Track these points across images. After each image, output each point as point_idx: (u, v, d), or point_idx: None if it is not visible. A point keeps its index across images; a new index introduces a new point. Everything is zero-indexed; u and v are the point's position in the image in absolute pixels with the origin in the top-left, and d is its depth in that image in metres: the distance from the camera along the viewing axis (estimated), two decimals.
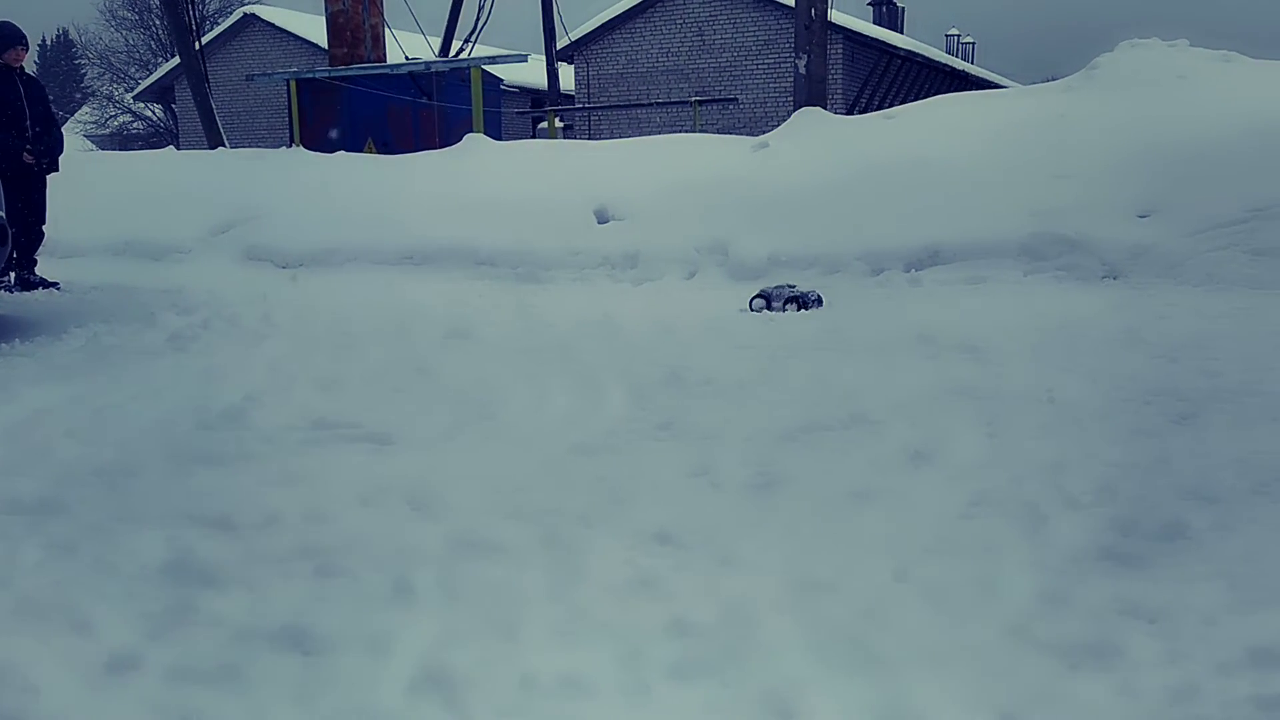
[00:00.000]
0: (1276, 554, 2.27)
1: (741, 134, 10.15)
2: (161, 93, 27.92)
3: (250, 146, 15.72)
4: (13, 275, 6.89)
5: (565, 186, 7.84)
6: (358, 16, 12.30)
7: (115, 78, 35.39)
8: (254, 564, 2.31)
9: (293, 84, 12.21)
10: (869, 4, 27.37)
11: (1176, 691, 1.75)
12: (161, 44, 32.51)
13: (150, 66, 32.57)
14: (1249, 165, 6.28)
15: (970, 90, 14.84)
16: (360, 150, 10.88)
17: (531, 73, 20.26)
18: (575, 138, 19.01)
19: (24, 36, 6.99)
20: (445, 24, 16.47)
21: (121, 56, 35.06)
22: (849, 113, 17.53)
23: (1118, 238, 6.18)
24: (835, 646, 1.93)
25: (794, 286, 5.83)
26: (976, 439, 3.15)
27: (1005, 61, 64.18)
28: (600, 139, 16.06)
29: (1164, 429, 3.22)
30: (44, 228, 7.14)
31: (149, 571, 2.27)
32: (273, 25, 25.75)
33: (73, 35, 45.56)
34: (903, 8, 27.60)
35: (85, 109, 37.93)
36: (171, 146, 17.31)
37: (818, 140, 7.90)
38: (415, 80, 11.87)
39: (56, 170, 7.17)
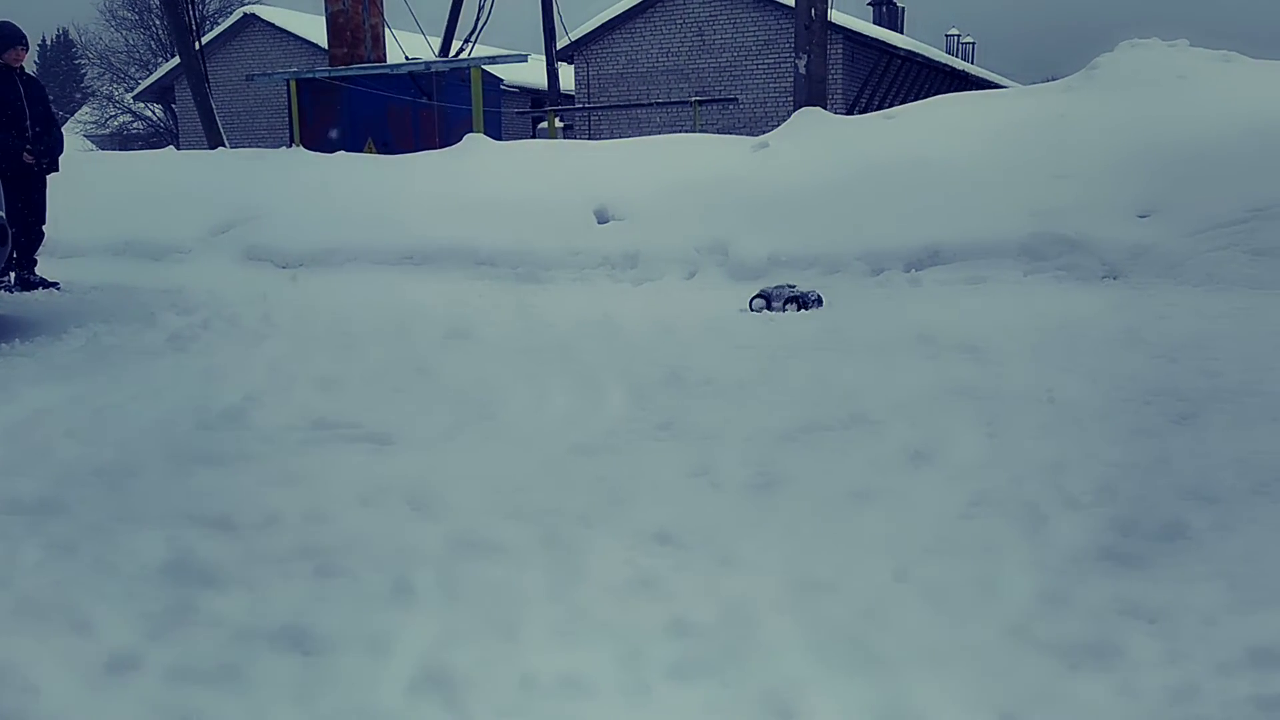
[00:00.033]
0: (1276, 554, 2.27)
1: (741, 134, 10.15)
2: (161, 93, 27.93)
3: (250, 146, 15.72)
4: (13, 275, 6.89)
5: (565, 186, 7.84)
6: (358, 16, 12.30)
7: (115, 78, 35.40)
8: (254, 564, 2.31)
9: (293, 84, 12.22)
10: (869, 4, 27.37)
11: (1176, 691, 1.75)
12: (161, 44, 32.52)
13: (150, 66, 32.58)
14: (1249, 165, 6.28)
15: (970, 90, 14.84)
16: (360, 150, 10.88)
17: (531, 73, 20.26)
18: (575, 138, 19.02)
19: (24, 36, 6.99)
20: (445, 24, 16.48)
21: (121, 56, 35.09)
22: (849, 113, 17.53)
23: (1118, 238, 6.19)
24: (835, 646, 1.93)
25: (794, 286, 5.83)
26: (976, 439, 3.15)
27: (1005, 61, 64.21)
28: (600, 139, 16.06)
29: (1164, 429, 3.22)
30: (44, 228, 7.14)
31: (149, 571, 2.27)
32: (273, 25, 25.75)
33: (73, 35, 45.61)
34: (903, 8, 27.60)
35: (85, 109, 37.93)
36: (171, 146, 17.31)
37: (818, 140, 7.90)
38: (415, 80, 11.87)
39: (56, 170, 7.18)
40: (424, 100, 11.84)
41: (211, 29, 26.48)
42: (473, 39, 15.91)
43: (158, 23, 31.87)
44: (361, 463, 3.06)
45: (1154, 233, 6.18)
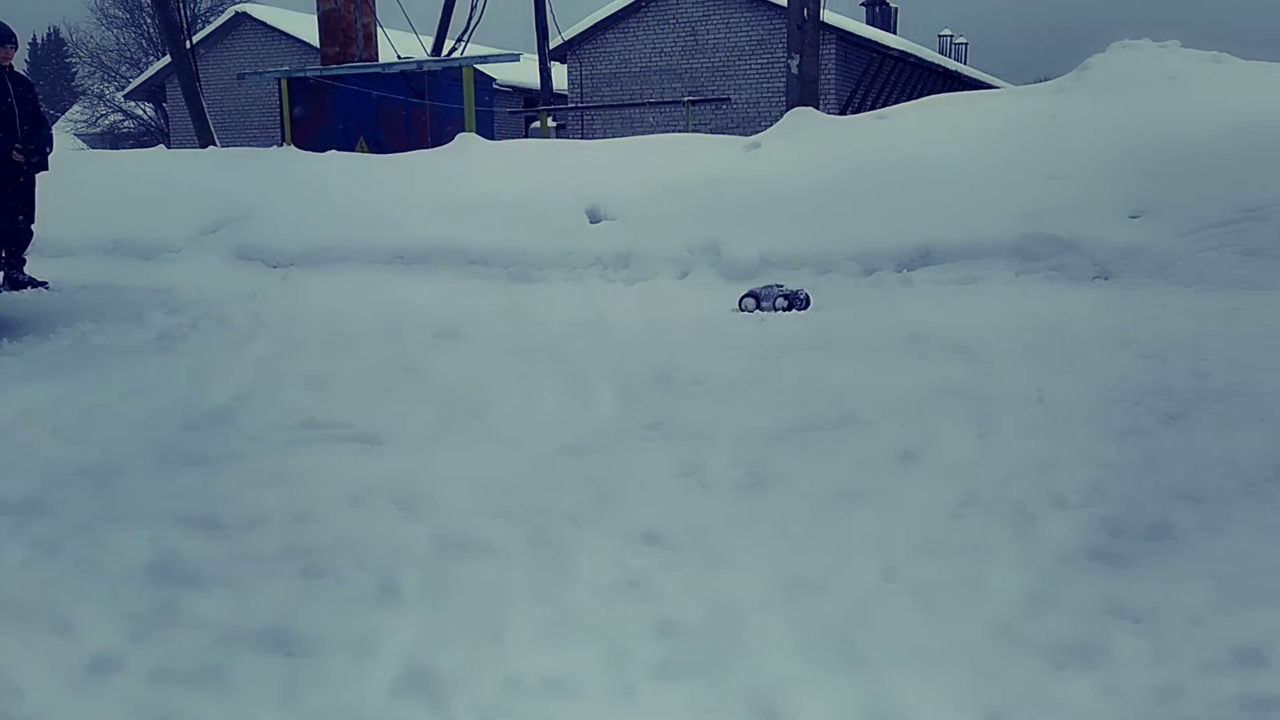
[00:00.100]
0: (1263, 553, 2.28)
1: (734, 134, 10.14)
2: (152, 91, 27.82)
3: (241, 145, 15.68)
4: (1, 274, 6.85)
5: (558, 186, 7.83)
6: (350, 15, 12.27)
7: (106, 76, 35.25)
8: (239, 564, 2.29)
9: (284, 83, 12.18)
10: (862, 4, 27.40)
11: (1162, 691, 1.75)
12: (153, 42, 32.40)
13: (141, 65, 32.45)
14: (1240, 166, 6.30)
15: (963, 91, 14.86)
16: (352, 149, 10.85)
17: (524, 72, 20.22)
18: (568, 137, 19.00)
19: (13, 35, 6.96)
20: (438, 23, 16.45)
21: (112, 55, 34.93)
22: (842, 113, 17.55)
23: (1109, 238, 6.19)
24: (822, 646, 1.93)
25: (782, 286, 5.84)
26: (966, 439, 3.15)
27: (998, 62, 64.42)
28: (593, 138, 16.04)
29: (1153, 429, 3.22)
30: (33, 226, 7.10)
31: (133, 572, 2.25)
32: (264, 24, 25.68)
33: (63, 34, 45.38)
34: (896, 8, 27.65)
35: (76, 108, 37.78)
36: (162, 145, 17.26)
37: (810, 140, 7.90)
38: (408, 79, 11.84)
39: (46, 169, 7.14)
40: (416, 99, 11.81)
41: (203, 27, 26.40)
42: (465, 38, 15.86)
43: (149, 21, 31.74)
44: (350, 463, 3.04)
45: (1145, 233, 6.19)
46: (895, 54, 22.00)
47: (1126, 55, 7.82)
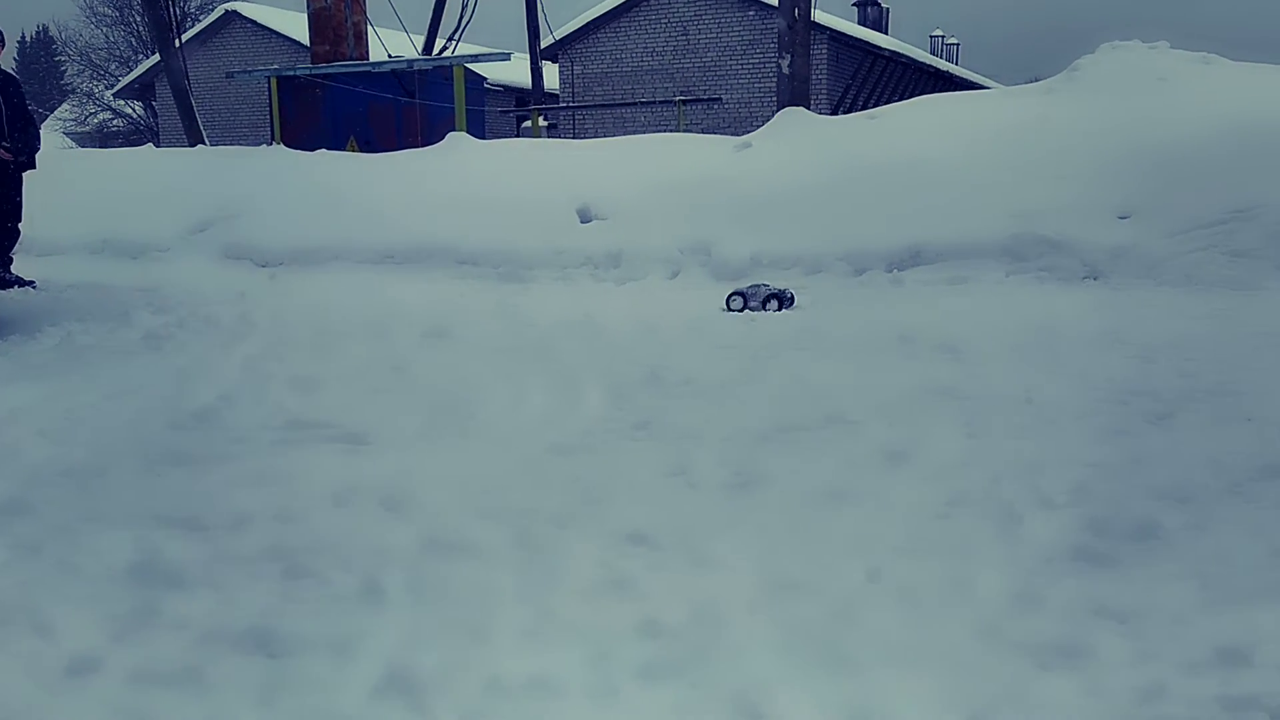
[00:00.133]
0: (1247, 553, 2.28)
1: (725, 134, 10.14)
2: (142, 90, 27.70)
3: (231, 144, 15.62)
4: None
5: (548, 186, 7.81)
6: (340, 14, 12.23)
7: (95, 75, 35.08)
8: (222, 565, 2.28)
9: (274, 81, 12.14)
10: (853, 4, 27.43)
11: (1145, 691, 1.75)
12: (142, 41, 32.25)
13: (130, 63, 32.32)
14: (1228, 167, 6.32)
15: (954, 91, 14.89)
16: (342, 148, 10.82)
17: (515, 71, 20.21)
18: (559, 137, 18.98)
19: (0, 34, 6.91)
20: (429, 21, 16.42)
21: (102, 53, 34.76)
22: (833, 113, 17.56)
23: (1098, 239, 6.21)
24: (806, 647, 1.92)
25: (768, 285, 5.84)
26: (954, 439, 3.15)
27: (989, 63, 64.56)
28: (584, 138, 16.03)
29: (1140, 429, 3.23)
30: (20, 225, 7.06)
31: (115, 573, 2.24)
32: (254, 22, 25.58)
33: (53, 32, 45.16)
34: (887, 8, 27.67)
35: (65, 106, 37.60)
36: (150, 144, 17.18)
37: (801, 140, 7.90)
38: (398, 78, 11.81)
39: (33, 168, 7.09)
40: (407, 98, 11.78)
41: (192, 26, 26.30)
42: (456, 37, 15.85)
43: (138, 19, 31.60)
44: (336, 463, 3.03)
45: (1134, 234, 6.20)
46: (886, 54, 22.03)
47: (1116, 56, 7.84)
